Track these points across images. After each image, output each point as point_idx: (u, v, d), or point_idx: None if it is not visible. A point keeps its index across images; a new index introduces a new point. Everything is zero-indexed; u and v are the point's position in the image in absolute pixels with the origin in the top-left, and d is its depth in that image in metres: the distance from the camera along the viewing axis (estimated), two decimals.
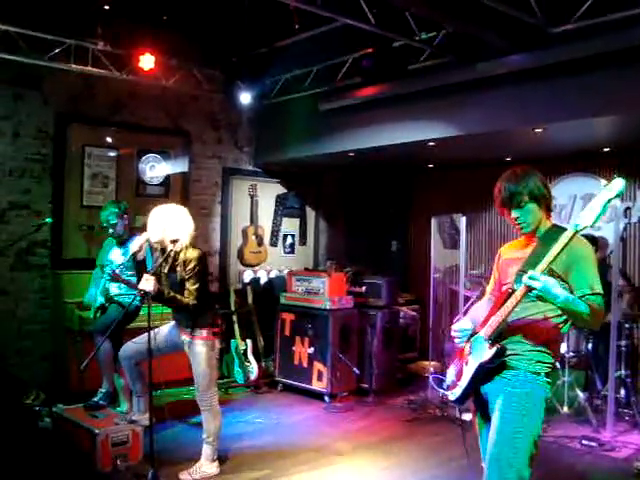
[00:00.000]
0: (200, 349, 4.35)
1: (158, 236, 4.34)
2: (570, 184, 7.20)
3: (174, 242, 4.28)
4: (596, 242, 6.40)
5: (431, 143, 6.21)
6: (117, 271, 5.15)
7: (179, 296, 4.27)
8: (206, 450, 4.42)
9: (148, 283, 4.04)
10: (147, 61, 6.10)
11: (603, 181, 6.91)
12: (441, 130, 5.88)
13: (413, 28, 5.22)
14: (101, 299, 5.42)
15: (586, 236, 6.49)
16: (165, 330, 4.58)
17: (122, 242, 5.44)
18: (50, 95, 6.30)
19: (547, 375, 2.78)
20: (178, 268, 4.33)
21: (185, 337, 4.43)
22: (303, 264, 8.50)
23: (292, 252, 8.56)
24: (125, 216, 5.49)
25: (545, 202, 2.88)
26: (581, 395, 5.62)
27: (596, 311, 2.61)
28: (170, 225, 4.33)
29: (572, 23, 4.49)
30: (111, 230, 5.44)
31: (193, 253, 4.34)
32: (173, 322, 4.58)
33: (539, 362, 2.77)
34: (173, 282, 4.36)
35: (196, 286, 4.28)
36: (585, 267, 2.70)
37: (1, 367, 5.57)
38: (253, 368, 6.84)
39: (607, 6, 4.31)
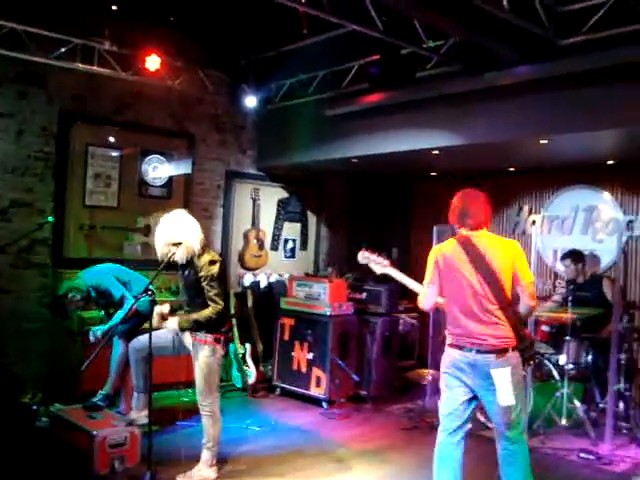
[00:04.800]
0: (201, 352, 4.34)
1: (162, 243, 4.37)
2: (573, 196, 7.18)
3: (176, 245, 4.29)
4: (583, 258, 6.30)
5: (435, 152, 6.21)
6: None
7: (200, 315, 4.31)
8: (205, 455, 4.40)
9: (172, 322, 4.32)
10: (153, 62, 6.14)
11: (606, 193, 6.91)
12: (446, 139, 5.88)
13: (421, 36, 5.23)
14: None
15: (574, 251, 6.33)
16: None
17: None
18: (55, 94, 6.29)
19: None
20: (194, 277, 4.35)
21: (189, 339, 4.44)
22: (303, 269, 8.49)
23: (293, 257, 8.55)
24: (75, 300, 5.12)
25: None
26: (580, 407, 5.60)
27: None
28: (172, 233, 4.35)
29: (580, 36, 4.51)
30: None
31: (206, 258, 4.37)
32: None
33: None
34: (190, 294, 4.45)
35: (213, 292, 4.31)
36: None
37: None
38: (251, 372, 6.82)
39: (615, 19, 4.34)
